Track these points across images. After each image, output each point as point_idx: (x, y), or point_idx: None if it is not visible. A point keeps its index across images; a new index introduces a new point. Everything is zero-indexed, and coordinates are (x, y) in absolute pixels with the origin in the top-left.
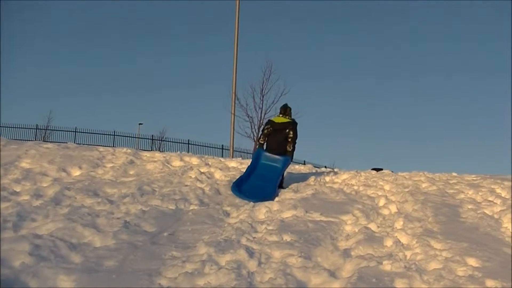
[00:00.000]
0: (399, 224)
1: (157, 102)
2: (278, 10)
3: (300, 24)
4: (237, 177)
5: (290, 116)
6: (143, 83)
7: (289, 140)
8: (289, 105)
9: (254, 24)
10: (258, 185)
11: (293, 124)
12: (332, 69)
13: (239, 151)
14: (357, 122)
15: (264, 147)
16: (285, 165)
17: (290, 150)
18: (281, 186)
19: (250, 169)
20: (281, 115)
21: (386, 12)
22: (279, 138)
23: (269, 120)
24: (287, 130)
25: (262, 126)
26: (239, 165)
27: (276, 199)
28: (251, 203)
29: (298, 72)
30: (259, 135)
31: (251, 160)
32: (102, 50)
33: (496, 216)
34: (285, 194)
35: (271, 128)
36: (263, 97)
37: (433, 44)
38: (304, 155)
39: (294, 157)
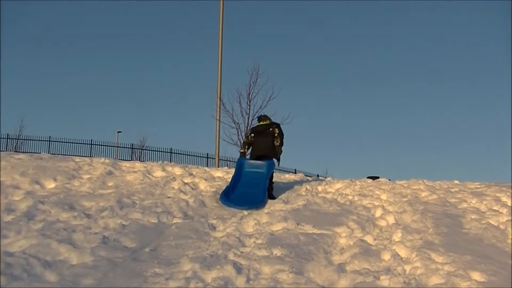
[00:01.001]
0: (397, 236)
1: (137, 108)
2: (265, 11)
3: (288, 25)
4: (224, 188)
5: (270, 120)
6: (121, 89)
7: (276, 136)
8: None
9: (239, 25)
10: (246, 192)
11: (275, 123)
12: (324, 72)
13: (225, 160)
14: (351, 128)
15: (248, 156)
16: (270, 168)
17: (278, 144)
18: (270, 196)
19: (235, 179)
20: (261, 122)
21: (385, 10)
22: (264, 141)
23: (251, 128)
24: (271, 129)
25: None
26: (225, 175)
27: (265, 210)
28: (238, 215)
29: (287, 75)
30: (243, 144)
31: (234, 170)
32: (77, 55)
33: (502, 226)
34: (275, 205)
35: (252, 135)
36: (250, 101)
37: (430, 48)
38: (295, 164)
39: (283, 164)
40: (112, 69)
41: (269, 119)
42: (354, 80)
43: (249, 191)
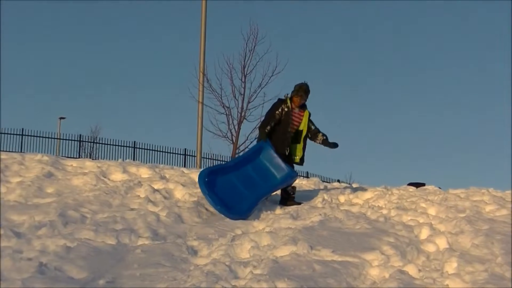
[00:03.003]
0: (451, 266)
1: (87, 87)
2: None
3: None
4: (213, 166)
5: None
6: (65, 62)
7: (318, 132)
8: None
9: None
10: (236, 187)
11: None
12: (351, 36)
13: (211, 158)
14: (385, 117)
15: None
16: (286, 180)
17: (300, 156)
18: (288, 201)
19: (238, 162)
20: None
21: None
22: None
23: (280, 101)
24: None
25: (273, 107)
26: None
27: (268, 228)
28: (229, 235)
29: (297, 41)
30: (266, 118)
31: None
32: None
33: None
34: (280, 221)
35: (285, 111)
36: (245, 77)
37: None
38: (307, 165)
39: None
40: (50, 36)
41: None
42: (396, 53)
43: (241, 189)
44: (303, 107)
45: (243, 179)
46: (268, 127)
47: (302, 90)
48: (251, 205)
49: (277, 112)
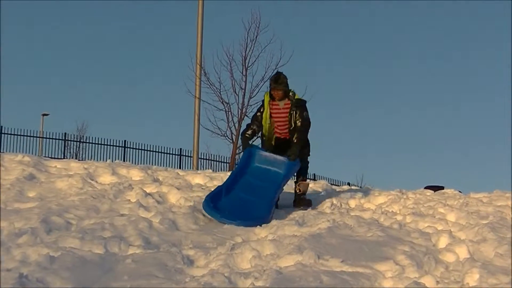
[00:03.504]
0: (472, 278)
1: (73, 81)
2: None
3: None
4: (212, 190)
5: (287, 85)
6: (49, 54)
7: (296, 125)
8: (281, 73)
9: None
10: (245, 200)
11: (298, 103)
12: (361, 27)
13: (209, 159)
14: (399, 114)
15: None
16: (291, 171)
17: (296, 142)
18: (302, 203)
19: (235, 176)
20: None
21: None
22: (283, 124)
23: (262, 100)
24: (291, 112)
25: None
26: (209, 181)
27: (271, 236)
28: (228, 244)
29: (304, 31)
30: (248, 124)
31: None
32: None
33: None
34: (284, 228)
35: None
36: (246, 70)
37: None
38: (315, 166)
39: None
40: (32, 20)
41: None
42: (412, 44)
43: (251, 198)
44: (285, 98)
45: (247, 190)
46: (249, 131)
47: (271, 80)
48: (269, 208)
49: (258, 113)
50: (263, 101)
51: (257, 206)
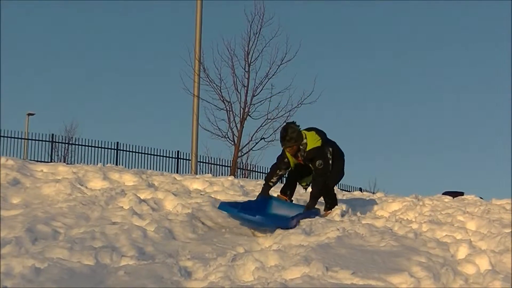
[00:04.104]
0: None
1: (60, 78)
2: None
3: None
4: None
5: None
6: (34, 50)
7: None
8: (289, 127)
9: None
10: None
11: (309, 155)
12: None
13: (208, 162)
14: (414, 116)
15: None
16: (309, 214)
17: (311, 195)
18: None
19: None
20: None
21: None
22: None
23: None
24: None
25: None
26: (208, 187)
27: (275, 246)
28: (229, 254)
29: (311, 23)
30: (274, 168)
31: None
32: None
33: None
34: (290, 237)
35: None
36: (249, 66)
37: None
38: None
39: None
40: (17, 13)
41: (295, 138)
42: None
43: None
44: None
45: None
46: (274, 179)
47: (280, 136)
48: (288, 220)
49: (285, 159)
50: (283, 151)
51: (281, 217)
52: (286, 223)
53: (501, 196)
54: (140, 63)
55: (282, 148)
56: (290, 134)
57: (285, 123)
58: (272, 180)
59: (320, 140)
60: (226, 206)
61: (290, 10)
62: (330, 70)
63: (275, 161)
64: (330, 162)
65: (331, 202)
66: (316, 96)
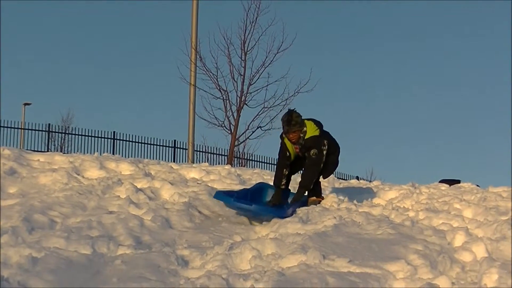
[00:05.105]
0: (491, 279)
1: (56, 68)
2: None
3: None
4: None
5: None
6: (30, 38)
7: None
8: (293, 112)
9: None
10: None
11: (307, 144)
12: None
13: (205, 151)
14: (410, 102)
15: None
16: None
17: (300, 184)
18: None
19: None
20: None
21: None
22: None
23: (281, 143)
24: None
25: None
26: (205, 176)
27: (272, 234)
28: (226, 243)
29: (307, 11)
30: (279, 175)
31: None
32: None
33: None
34: (287, 226)
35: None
36: (245, 55)
37: None
38: None
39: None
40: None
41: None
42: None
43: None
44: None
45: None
46: (284, 181)
47: (283, 122)
48: (284, 209)
49: (286, 161)
50: (282, 143)
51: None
52: (282, 213)
53: (498, 183)
54: (137, 52)
55: (281, 142)
56: (295, 118)
57: (287, 109)
58: (282, 183)
59: (318, 130)
60: (221, 195)
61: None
62: (327, 59)
63: (278, 159)
64: (325, 153)
65: (318, 190)
66: (312, 84)
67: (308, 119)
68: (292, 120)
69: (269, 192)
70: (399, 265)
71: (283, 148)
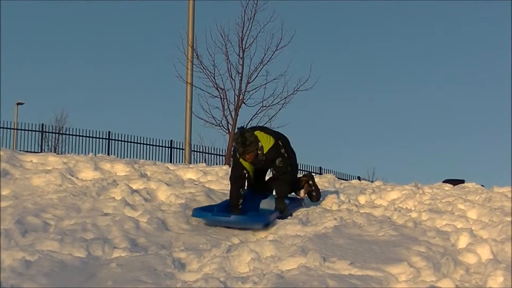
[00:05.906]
0: (496, 281)
1: (49, 66)
2: None
3: None
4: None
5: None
6: (22, 37)
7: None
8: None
9: None
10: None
11: (268, 157)
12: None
13: (202, 151)
14: (413, 101)
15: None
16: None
17: (277, 196)
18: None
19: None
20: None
21: None
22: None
23: (236, 161)
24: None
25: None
26: (202, 176)
27: (271, 236)
28: (224, 245)
29: (306, 7)
30: (234, 196)
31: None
32: None
33: None
34: (286, 227)
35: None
36: (243, 52)
37: None
38: (320, 159)
39: (300, 161)
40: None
41: (249, 142)
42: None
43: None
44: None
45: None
46: (240, 201)
47: (237, 143)
48: (266, 217)
49: (241, 180)
50: (237, 161)
51: (253, 215)
52: (264, 219)
53: (503, 183)
54: (132, 50)
55: (234, 160)
56: (249, 138)
57: (237, 129)
58: (239, 202)
59: (270, 137)
60: (200, 212)
61: None
62: (327, 56)
63: (231, 178)
64: (283, 151)
65: (298, 182)
66: (312, 82)
67: (254, 131)
68: (246, 141)
69: (253, 199)
70: (401, 268)
71: (238, 168)
